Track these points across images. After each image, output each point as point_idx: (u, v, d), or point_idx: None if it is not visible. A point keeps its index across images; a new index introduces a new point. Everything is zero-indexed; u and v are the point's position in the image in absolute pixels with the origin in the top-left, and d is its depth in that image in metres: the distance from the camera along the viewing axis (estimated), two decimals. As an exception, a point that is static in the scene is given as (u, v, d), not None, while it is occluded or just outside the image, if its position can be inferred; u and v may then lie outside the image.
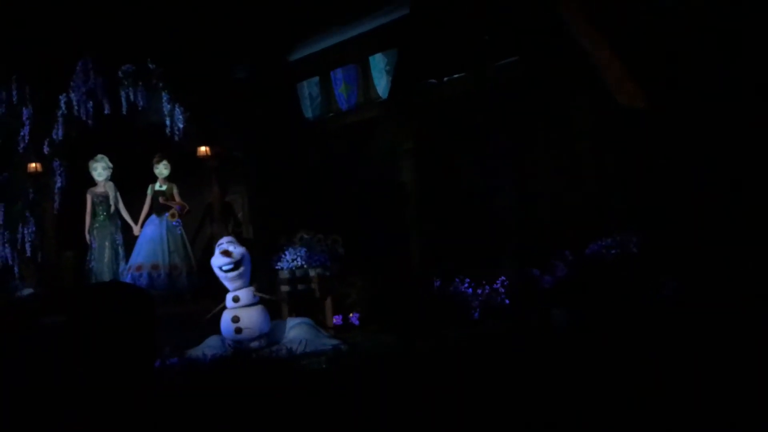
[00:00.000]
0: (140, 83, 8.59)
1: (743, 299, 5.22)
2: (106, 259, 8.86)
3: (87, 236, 8.89)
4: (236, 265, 7.18)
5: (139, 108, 8.59)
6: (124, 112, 8.53)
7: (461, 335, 6.13)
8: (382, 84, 8.99)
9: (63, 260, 8.70)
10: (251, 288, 7.31)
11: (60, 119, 8.47)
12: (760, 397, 3.66)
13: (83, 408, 4.56)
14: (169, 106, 8.61)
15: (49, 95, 8.48)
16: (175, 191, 8.98)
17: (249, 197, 9.36)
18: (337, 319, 8.01)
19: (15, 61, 8.36)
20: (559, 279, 6.11)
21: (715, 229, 5.76)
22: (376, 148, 8.89)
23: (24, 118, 8.41)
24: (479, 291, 7.57)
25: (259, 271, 7.81)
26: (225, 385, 4.52)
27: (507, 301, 7.43)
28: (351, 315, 8.03)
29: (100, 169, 8.95)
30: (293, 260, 8.13)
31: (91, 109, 8.48)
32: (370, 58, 9.06)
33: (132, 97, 8.53)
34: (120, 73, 8.57)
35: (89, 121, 8.49)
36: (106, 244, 8.89)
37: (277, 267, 8.22)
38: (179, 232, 8.84)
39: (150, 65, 8.61)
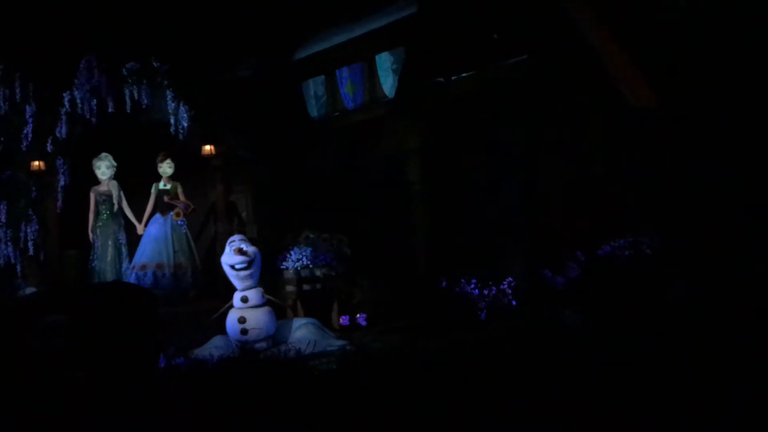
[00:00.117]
0: (144, 81, 8.52)
1: (757, 302, 5.17)
2: (108, 258, 8.79)
3: (90, 235, 8.83)
4: (249, 264, 7.13)
5: (143, 106, 8.53)
6: (128, 111, 8.46)
7: (472, 337, 6.07)
8: (388, 83, 8.94)
9: (66, 259, 8.62)
10: (260, 289, 7.25)
11: (63, 117, 8.39)
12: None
13: (85, 406, 4.53)
14: (173, 104, 8.53)
15: (52, 93, 8.42)
16: (180, 190, 8.92)
17: (253, 196, 9.28)
18: (344, 320, 7.95)
19: (19, 58, 8.29)
20: (571, 280, 6.04)
21: (729, 230, 5.70)
22: (382, 148, 8.82)
23: (27, 116, 8.33)
24: (485, 292, 7.52)
25: (264, 272, 7.73)
26: (235, 387, 4.47)
27: (514, 303, 7.38)
28: (358, 315, 7.96)
29: (104, 168, 8.89)
30: (298, 260, 8.07)
31: (94, 107, 8.40)
32: (377, 57, 9.00)
33: (136, 95, 8.46)
34: (124, 70, 8.50)
35: (93, 119, 8.42)
36: (109, 243, 8.83)
37: (282, 267, 8.16)
38: (184, 231, 8.79)
39: (154, 63, 8.55)
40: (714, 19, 6.42)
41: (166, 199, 8.82)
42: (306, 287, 8.00)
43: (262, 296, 7.22)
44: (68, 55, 8.39)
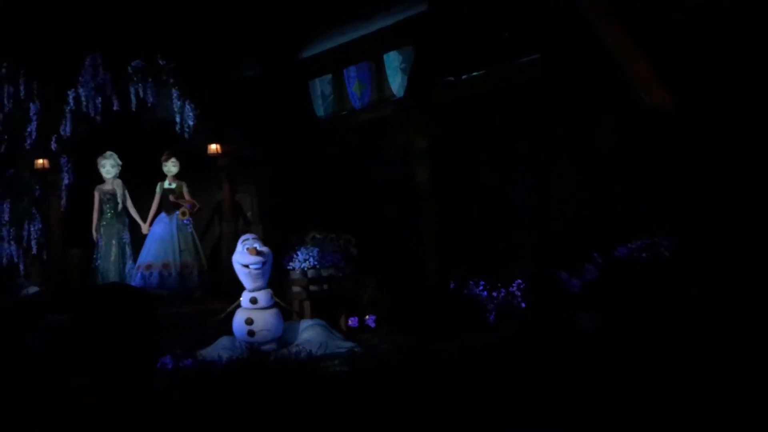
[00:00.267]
0: (150, 79, 8.52)
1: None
2: (112, 258, 8.76)
3: (94, 234, 8.80)
4: (263, 263, 7.05)
5: (149, 104, 8.50)
6: (133, 109, 8.43)
7: (482, 339, 6.00)
8: (396, 82, 8.86)
9: (69, 258, 8.56)
10: (269, 290, 7.16)
11: (68, 115, 8.38)
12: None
13: (84, 406, 4.48)
14: (178, 103, 8.53)
15: (57, 91, 8.38)
16: (185, 189, 8.86)
17: (259, 196, 9.21)
18: (353, 321, 7.86)
19: (23, 55, 8.23)
20: (587, 282, 5.94)
21: (748, 230, 5.61)
22: (390, 148, 8.74)
23: (31, 114, 8.28)
24: (494, 294, 7.44)
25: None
26: (245, 388, 4.40)
27: (523, 305, 7.29)
28: (367, 317, 7.87)
29: (109, 166, 8.85)
30: (305, 260, 7.98)
31: (99, 105, 8.40)
32: (385, 56, 8.91)
33: (141, 93, 8.46)
34: (129, 68, 8.47)
35: (98, 118, 8.41)
36: (113, 242, 8.79)
37: (288, 267, 8.07)
38: (190, 230, 8.74)
39: (160, 61, 8.51)
40: (729, 18, 6.34)
41: (171, 198, 8.76)
42: (313, 288, 7.91)
43: (271, 298, 7.13)
44: (73, 52, 8.36)
